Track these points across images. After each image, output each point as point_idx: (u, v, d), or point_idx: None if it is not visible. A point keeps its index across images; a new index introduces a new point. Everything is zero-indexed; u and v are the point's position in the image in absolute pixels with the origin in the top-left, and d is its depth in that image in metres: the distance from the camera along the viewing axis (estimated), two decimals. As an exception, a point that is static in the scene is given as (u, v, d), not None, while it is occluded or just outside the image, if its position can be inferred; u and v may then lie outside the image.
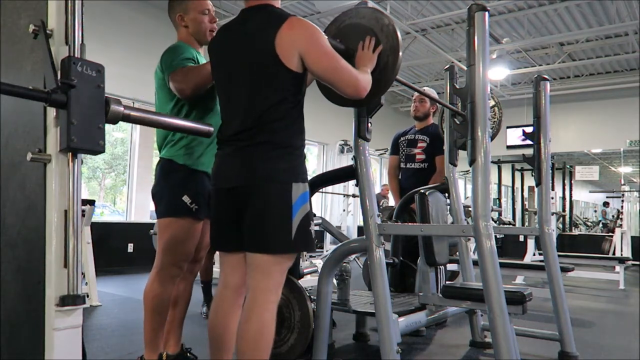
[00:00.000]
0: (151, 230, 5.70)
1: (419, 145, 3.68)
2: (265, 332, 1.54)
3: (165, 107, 2.04)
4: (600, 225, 13.50)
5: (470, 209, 4.38)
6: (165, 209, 2.01)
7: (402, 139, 3.81)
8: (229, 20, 1.73)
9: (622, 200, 9.15)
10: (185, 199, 1.98)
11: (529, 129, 2.88)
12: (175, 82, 1.91)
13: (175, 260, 2.03)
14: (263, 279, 1.57)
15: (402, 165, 3.75)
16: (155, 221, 6.01)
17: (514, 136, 10.98)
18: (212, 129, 1.45)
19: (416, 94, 3.81)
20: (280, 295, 1.64)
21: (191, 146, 2.01)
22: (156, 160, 2.12)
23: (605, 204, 14.16)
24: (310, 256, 6.16)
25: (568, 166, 12.19)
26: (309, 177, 1.72)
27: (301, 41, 1.55)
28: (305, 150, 1.72)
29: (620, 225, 8.32)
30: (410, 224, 3.13)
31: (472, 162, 1.96)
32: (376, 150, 9.39)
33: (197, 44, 2.14)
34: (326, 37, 1.61)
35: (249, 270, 1.61)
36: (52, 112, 1.07)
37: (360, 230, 4.08)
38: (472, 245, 4.33)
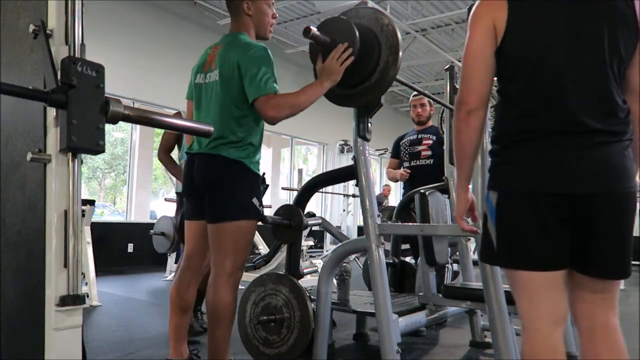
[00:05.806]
0: (151, 231, 5.69)
1: (424, 142, 3.77)
2: None
3: (230, 108, 1.89)
4: None
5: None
6: (238, 210, 1.92)
7: (402, 141, 3.91)
8: None
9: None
10: (255, 201, 1.94)
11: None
12: (268, 110, 1.77)
13: (243, 264, 1.97)
14: None
15: (407, 164, 3.82)
16: (154, 221, 6.04)
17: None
18: (212, 129, 1.38)
19: (413, 99, 3.91)
20: None
21: (256, 149, 1.97)
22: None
23: None
24: (310, 256, 6.16)
25: (568, 166, 12.17)
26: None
27: None
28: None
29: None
30: (410, 223, 3.13)
31: (472, 162, 1.96)
32: (376, 150, 9.38)
33: (254, 38, 2.00)
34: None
35: None
36: (52, 112, 1.07)
37: (360, 230, 4.08)
38: (472, 245, 4.33)
